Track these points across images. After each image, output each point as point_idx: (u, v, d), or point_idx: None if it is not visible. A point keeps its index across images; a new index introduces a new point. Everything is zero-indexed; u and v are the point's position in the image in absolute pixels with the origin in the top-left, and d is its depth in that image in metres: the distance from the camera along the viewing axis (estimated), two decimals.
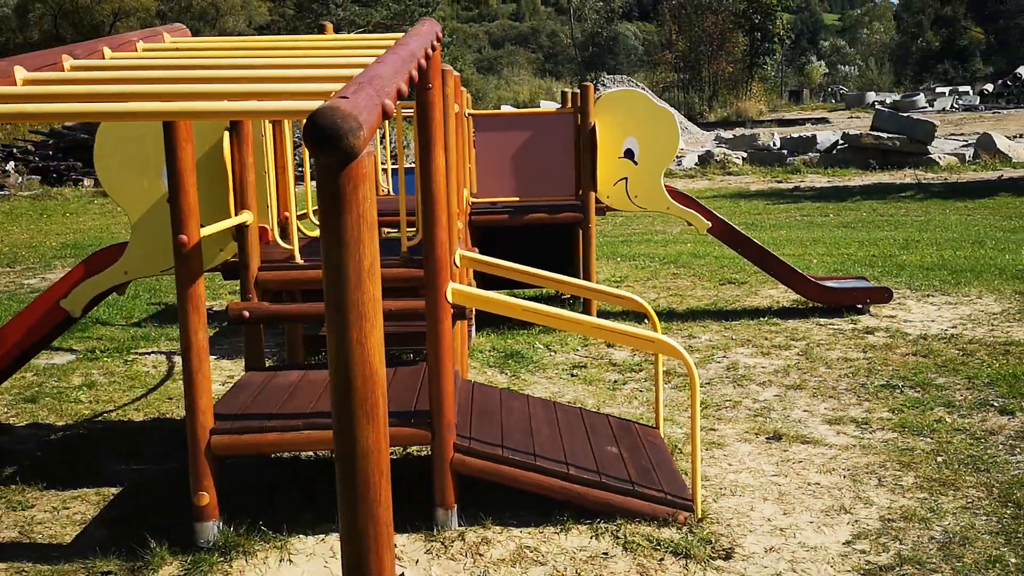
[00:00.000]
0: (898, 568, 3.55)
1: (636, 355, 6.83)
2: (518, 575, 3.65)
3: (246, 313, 4.61)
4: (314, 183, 1.79)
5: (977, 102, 45.42)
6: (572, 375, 6.42)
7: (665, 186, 7.69)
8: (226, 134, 4.62)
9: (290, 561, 3.85)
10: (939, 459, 4.60)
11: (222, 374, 6.83)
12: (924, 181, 19.85)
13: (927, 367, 6.17)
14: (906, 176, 20.82)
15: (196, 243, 3.87)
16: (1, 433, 5.59)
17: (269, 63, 2.95)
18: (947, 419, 5.15)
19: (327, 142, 1.60)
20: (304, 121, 1.73)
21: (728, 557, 3.72)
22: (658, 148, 7.56)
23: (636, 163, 7.55)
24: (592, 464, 4.13)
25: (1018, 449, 4.67)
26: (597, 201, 7.63)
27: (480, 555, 3.81)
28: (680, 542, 3.81)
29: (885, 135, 23.36)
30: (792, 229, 13.60)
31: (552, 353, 6.97)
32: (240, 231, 4.70)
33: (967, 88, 51.49)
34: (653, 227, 14.30)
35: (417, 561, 3.81)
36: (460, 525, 4.01)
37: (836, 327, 7.39)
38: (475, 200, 7.48)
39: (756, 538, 3.88)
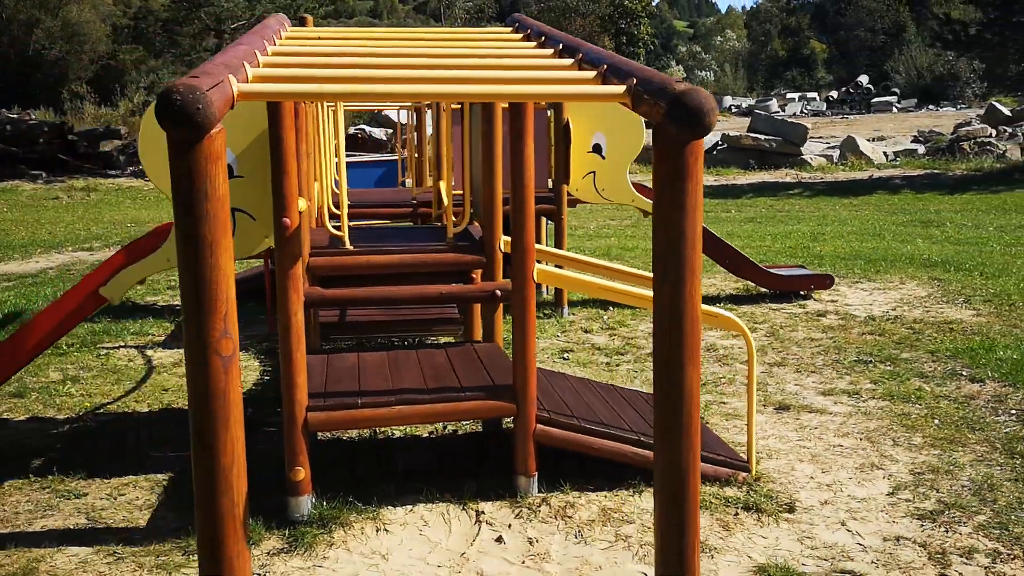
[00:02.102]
0: (946, 512, 4.03)
1: (615, 339, 7.20)
2: (610, 534, 3.94)
3: None
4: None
5: (824, 108, 48.22)
6: (564, 358, 6.72)
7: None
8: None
9: (386, 531, 4.01)
10: (935, 422, 5.14)
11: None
12: (805, 180, 21.10)
13: (887, 344, 6.78)
14: (787, 175, 22.07)
15: (297, 225, 3.97)
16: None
17: (437, 52, 3.12)
18: (926, 388, 5.73)
19: (697, 117, 1.85)
20: (629, 103, 1.99)
21: (792, 510, 4.11)
22: (624, 144, 7.95)
23: (603, 157, 7.93)
24: (647, 433, 4.45)
25: (1000, 410, 5.27)
26: (568, 194, 7.96)
27: (569, 517, 4.08)
28: (746, 499, 4.18)
29: (763, 136, 24.67)
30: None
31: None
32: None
33: (815, 94, 54.62)
34: (574, 221, 14.73)
35: (510, 525, 4.04)
36: (540, 492, 4.26)
37: (789, 311, 7.97)
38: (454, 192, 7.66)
39: (808, 493, 4.29)
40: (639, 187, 8.19)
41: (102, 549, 3.94)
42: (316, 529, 3.97)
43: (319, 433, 4.66)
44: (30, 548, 3.97)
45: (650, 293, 4.63)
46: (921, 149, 25.75)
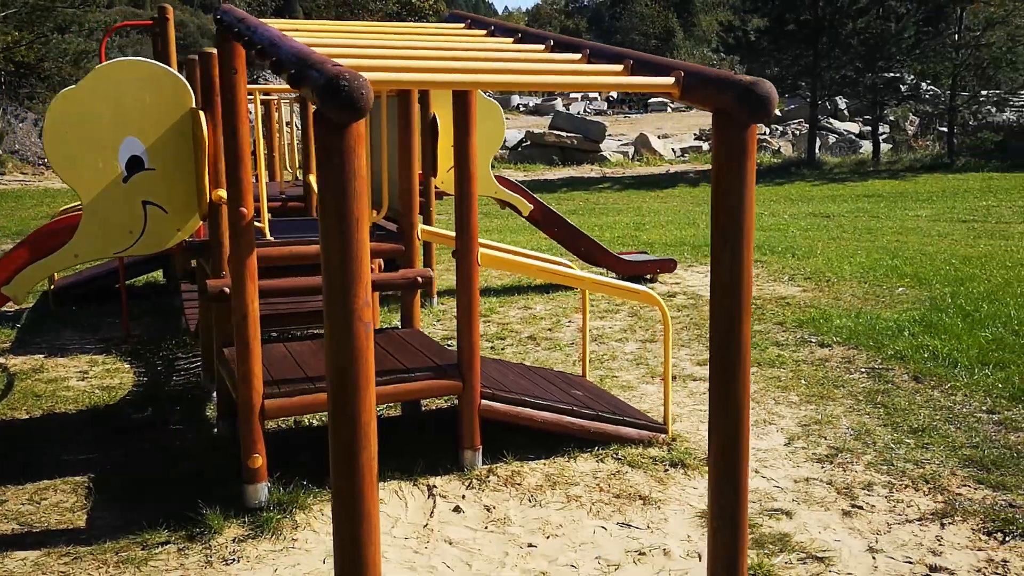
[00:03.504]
0: (838, 455, 4.61)
1: (490, 326, 7.51)
2: (561, 495, 4.25)
3: (226, 289, 4.71)
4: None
5: (605, 107, 50.65)
6: (449, 346, 6.96)
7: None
8: (202, 113, 4.69)
9: None
10: (802, 382, 5.80)
11: (78, 364, 6.55)
12: (610, 175, 22.24)
13: None
14: (591, 171, 23.17)
15: (252, 216, 4.01)
16: None
17: (448, 45, 3.25)
18: (784, 354, 6.41)
19: (765, 105, 2.18)
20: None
21: None
22: (486, 137, 8.25)
23: None
24: (577, 404, 4.80)
25: (852, 369, 6.00)
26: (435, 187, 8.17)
27: (518, 484, 4.35)
28: (670, 457, 4.60)
29: (564, 134, 25.74)
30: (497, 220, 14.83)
31: None
32: (213, 209, 4.79)
33: (596, 94, 57.26)
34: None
35: (464, 496, 4.27)
36: (485, 464, 4.51)
37: None
38: None
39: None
40: (502, 180, 8.53)
41: (53, 551, 3.83)
42: (277, 514, 4.03)
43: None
44: None
45: (578, 272, 4.96)
46: (705, 146, 27.68)
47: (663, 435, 4.80)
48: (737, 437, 2.44)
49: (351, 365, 2.03)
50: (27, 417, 5.59)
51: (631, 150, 27.12)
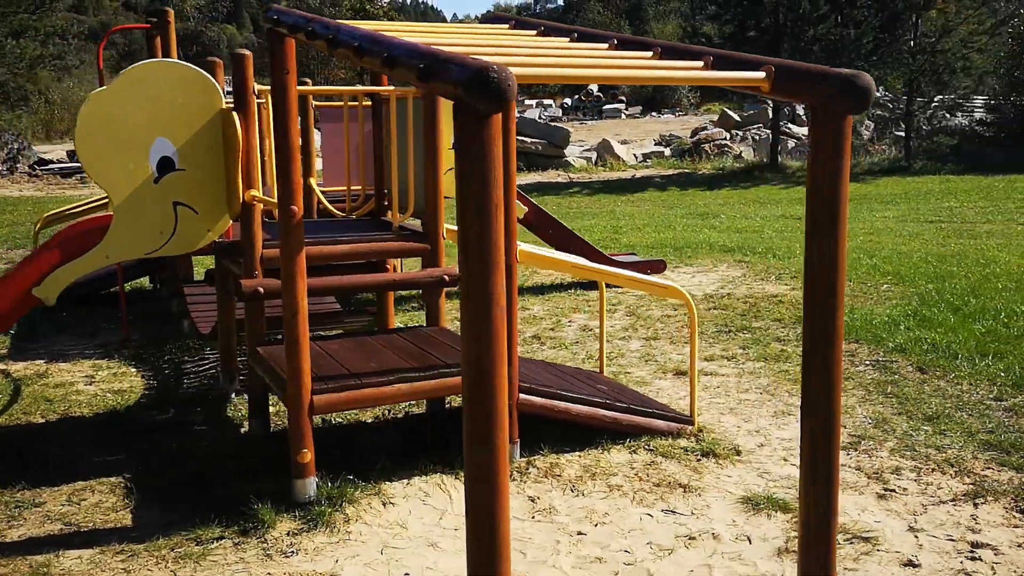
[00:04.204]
0: (861, 442, 4.78)
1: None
2: (602, 485, 4.35)
3: (261, 289, 4.76)
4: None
5: (560, 113, 50.99)
6: None
7: None
8: (234, 114, 4.72)
9: (392, 503, 4.20)
10: None
11: (82, 369, 6.52)
12: (577, 180, 22.43)
13: (734, 316, 7.65)
14: (559, 176, 23.33)
15: (301, 214, 4.06)
16: None
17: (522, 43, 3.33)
18: (788, 349, 6.58)
19: (866, 96, 2.32)
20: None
21: (739, 453, 4.71)
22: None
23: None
24: (609, 398, 4.91)
25: (856, 362, 6.19)
26: None
27: (557, 476, 4.44)
28: (700, 447, 4.73)
29: (529, 139, 25.87)
30: None
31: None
32: (246, 209, 4.82)
33: (551, 101, 57.62)
34: None
35: None
36: (522, 456, 4.59)
37: (636, 294, 8.70)
38: (322, 189, 7.73)
39: (744, 439, 4.92)
40: None
41: (107, 549, 3.84)
42: (328, 507, 4.08)
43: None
44: (24, 555, 3.80)
45: (610, 269, 5.08)
46: (667, 151, 28.00)
47: (690, 427, 4.92)
48: (831, 413, 2.55)
49: (490, 347, 2.11)
50: (44, 421, 5.56)
51: (594, 156, 27.33)
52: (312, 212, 8.00)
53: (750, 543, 3.76)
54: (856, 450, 4.68)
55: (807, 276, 2.54)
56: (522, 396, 4.52)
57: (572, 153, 27.14)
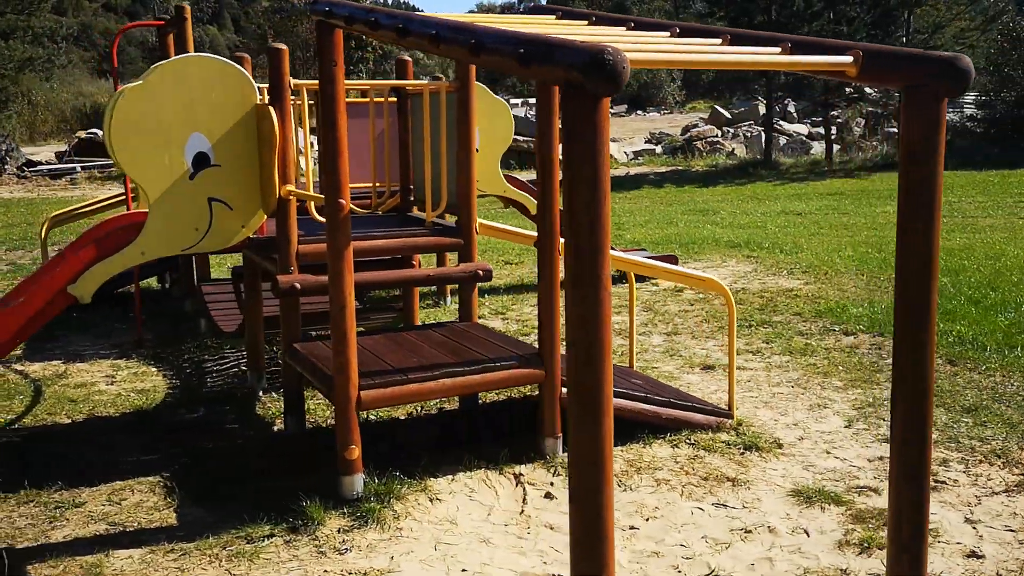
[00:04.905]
0: None
1: (509, 323, 7.56)
2: (649, 479, 4.33)
3: (298, 285, 4.71)
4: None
5: None
6: None
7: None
8: (270, 108, 4.67)
9: (438, 499, 4.16)
10: (840, 368, 5.97)
11: (101, 369, 6.45)
12: None
13: (752, 311, 7.64)
14: None
15: (348, 208, 4.02)
16: None
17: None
18: (812, 343, 6.58)
19: (967, 77, 2.31)
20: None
21: (780, 446, 4.70)
22: (496, 136, 8.32)
23: (477, 150, 8.23)
24: (650, 392, 4.89)
25: (884, 355, 6.19)
26: None
27: None
28: (742, 441, 4.72)
29: (522, 138, 25.86)
30: (507, 219, 14.91)
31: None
32: (281, 204, 4.77)
33: (534, 100, 57.78)
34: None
35: (552, 483, 4.32)
36: (565, 451, 4.56)
37: (649, 290, 8.69)
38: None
39: (783, 432, 4.90)
40: (511, 180, 8.59)
41: (157, 549, 3.79)
42: (376, 504, 4.04)
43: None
44: (72, 556, 3.75)
45: (652, 262, 5.04)
46: (658, 149, 28.05)
47: (729, 420, 4.91)
48: (925, 395, 2.53)
49: (597, 329, 2.08)
50: (70, 421, 5.49)
51: None
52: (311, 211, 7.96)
53: (808, 536, 3.74)
54: None
55: (902, 261, 2.52)
56: (565, 391, 4.48)
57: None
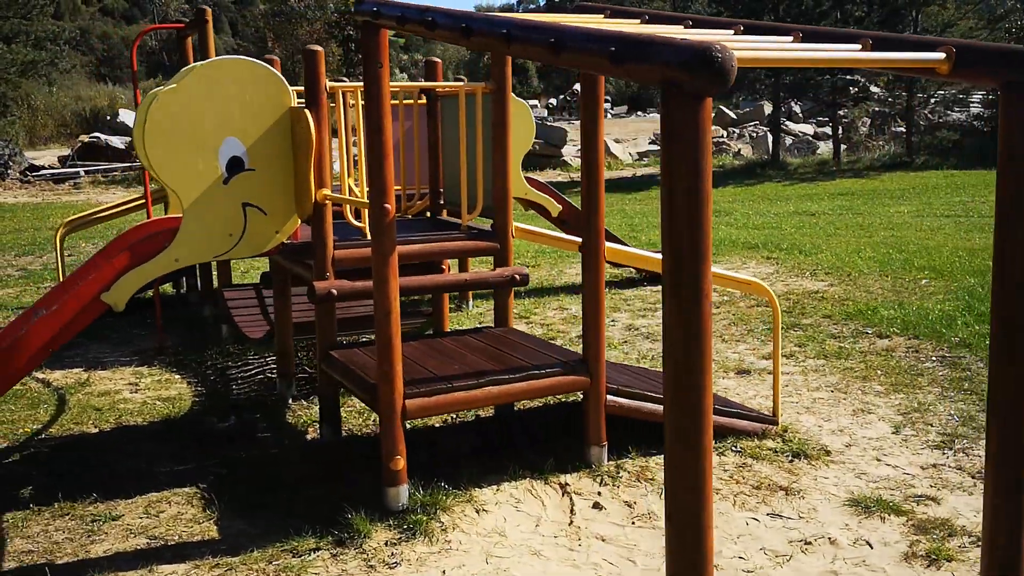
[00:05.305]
0: (954, 441, 4.67)
1: (534, 326, 7.47)
2: None
3: (334, 291, 4.62)
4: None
5: (546, 114, 50.93)
6: None
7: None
8: (306, 111, 4.58)
9: (485, 510, 4.06)
10: (879, 372, 5.87)
11: (124, 377, 6.35)
12: (578, 179, 22.28)
13: (782, 314, 7.53)
14: (559, 175, 23.22)
15: (393, 214, 3.92)
16: None
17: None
18: (846, 346, 6.48)
19: None
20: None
21: (828, 453, 4.60)
22: (517, 138, 8.19)
23: None
24: None
25: (922, 358, 6.10)
26: None
27: (650, 480, 4.32)
28: (789, 448, 4.62)
29: None
30: (526, 222, 14.79)
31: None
32: (317, 209, 4.67)
33: (535, 101, 57.61)
34: None
35: (599, 493, 4.22)
36: (609, 460, 4.46)
37: None
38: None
39: (829, 439, 4.81)
40: (531, 182, 8.50)
41: (201, 563, 3.69)
42: (423, 516, 3.94)
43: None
44: (115, 572, 3.65)
45: (725, 273, 4.96)
46: None
47: (774, 427, 4.81)
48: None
49: (699, 341, 1.99)
50: (97, 431, 5.39)
51: None
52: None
53: (871, 548, 3.64)
54: (951, 449, 4.58)
55: (999, 262, 2.41)
56: (610, 398, 4.40)
57: (568, 152, 27.06)
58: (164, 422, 5.47)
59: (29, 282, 10.20)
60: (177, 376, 6.48)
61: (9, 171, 23.98)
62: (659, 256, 5.22)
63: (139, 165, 24.06)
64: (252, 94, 4.59)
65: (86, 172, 23.95)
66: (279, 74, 4.65)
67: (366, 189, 4.95)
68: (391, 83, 3.91)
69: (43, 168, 24.73)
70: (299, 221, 4.81)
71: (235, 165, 4.60)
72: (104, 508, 4.25)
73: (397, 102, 5.88)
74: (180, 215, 4.61)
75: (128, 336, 7.69)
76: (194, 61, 7.60)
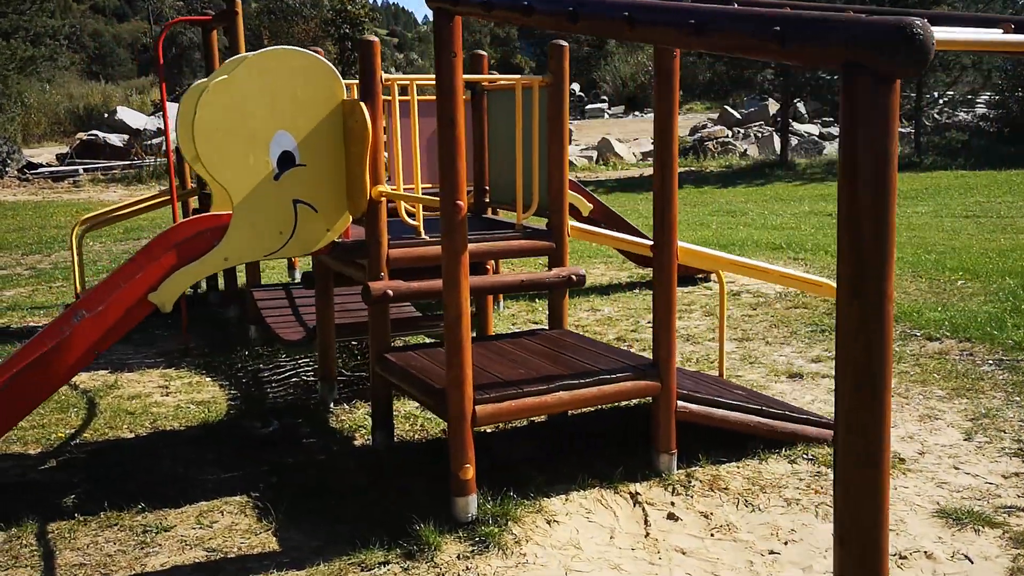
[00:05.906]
0: None
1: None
2: (776, 499, 4.06)
3: (390, 292, 4.44)
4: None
5: None
6: None
7: None
8: (361, 105, 4.39)
9: (556, 522, 3.89)
10: (937, 376, 5.70)
11: (152, 379, 6.16)
12: (587, 179, 22.15)
13: (820, 315, 7.38)
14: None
15: (465, 212, 3.73)
16: None
17: None
18: (897, 349, 6.31)
19: None
20: None
21: (903, 461, 4.44)
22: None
23: None
24: (764, 404, 4.62)
25: (978, 361, 5.93)
26: None
27: (724, 489, 4.15)
28: None
29: None
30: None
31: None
32: (371, 207, 4.49)
33: None
34: None
35: (672, 503, 4.05)
36: (679, 469, 4.29)
37: (703, 294, 8.44)
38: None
39: (899, 446, 4.64)
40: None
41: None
42: (494, 527, 3.76)
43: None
44: None
45: (765, 264, 4.79)
46: None
47: None
48: None
49: (881, 355, 1.83)
50: (133, 436, 5.20)
51: (594, 155, 27.12)
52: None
53: (971, 563, 3.48)
54: None
55: None
56: (680, 404, 4.22)
57: (572, 153, 26.90)
58: (202, 427, 5.28)
59: (40, 281, 10.00)
60: (207, 379, 6.28)
61: (7, 169, 23.70)
62: (730, 256, 5.06)
63: (139, 163, 23.91)
64: (304, 86, 4.41)
65: (85, 170, 23.67)
66: (332, 66, 4.46)
67: (421, 186, 4.78)
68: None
69: (41, 166, 24.44)
70: (351, 219, 4.63)
71: (286, 160, 4.41)
72: (153, 518, 4.07)
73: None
74: (223, 212, 4.43)
75: (151, 337, 7.49)
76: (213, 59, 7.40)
